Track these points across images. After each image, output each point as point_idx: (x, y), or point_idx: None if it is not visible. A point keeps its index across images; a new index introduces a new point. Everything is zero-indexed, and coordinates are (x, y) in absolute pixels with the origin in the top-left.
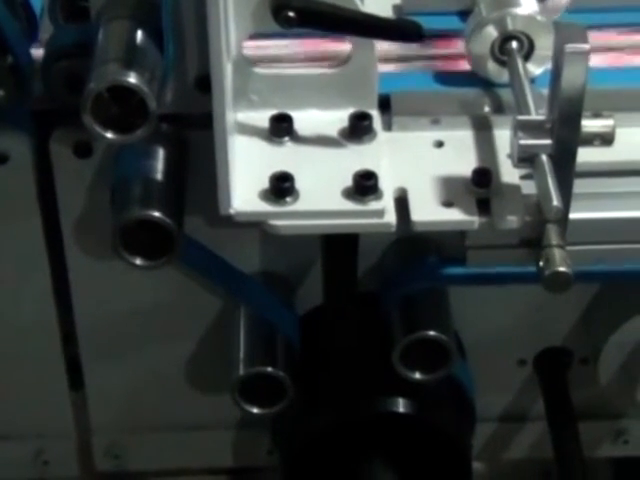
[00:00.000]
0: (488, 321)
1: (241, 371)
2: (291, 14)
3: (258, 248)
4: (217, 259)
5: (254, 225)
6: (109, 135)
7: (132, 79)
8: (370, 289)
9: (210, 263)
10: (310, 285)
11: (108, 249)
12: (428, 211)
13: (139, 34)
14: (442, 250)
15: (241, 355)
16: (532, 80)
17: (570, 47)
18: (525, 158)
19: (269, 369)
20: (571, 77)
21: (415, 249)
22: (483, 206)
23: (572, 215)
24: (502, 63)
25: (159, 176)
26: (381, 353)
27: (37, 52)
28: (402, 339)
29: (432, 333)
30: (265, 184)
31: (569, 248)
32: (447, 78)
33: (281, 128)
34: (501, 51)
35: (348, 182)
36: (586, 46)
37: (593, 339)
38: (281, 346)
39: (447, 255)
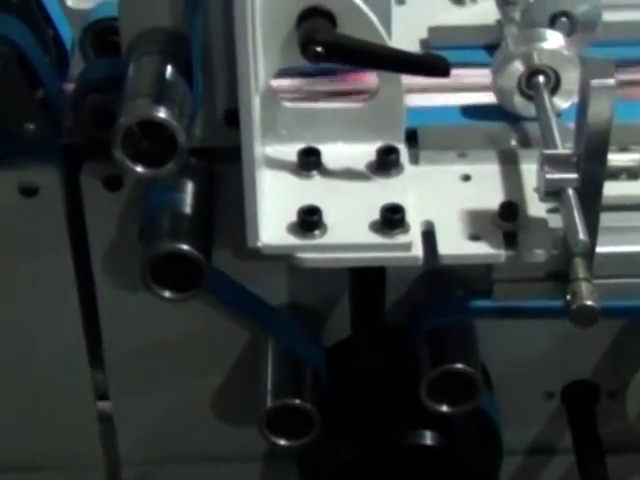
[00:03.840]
0: (515, 354)
1: (269, 403)
2: (319, 49)
3: (285, 280)
4: (245, 292)
5: (282, 258)
6: (139, 169)
7: (162, 114)
8: (397, 321)
9: (238, 296)
10: (337, 317)
11: (137, 281)
12: (455, 244)
13: (169, 69)
14: (469, 283)
15: (269, 387)
16: (558, 114)
17: (596, 82)
18: (552, 192)
19: (297, 401)
20: (597, 111)
21: (442, 282)
22: (510, 239)
23: (599, 249)
24: (529, 97)
25: (188, 209)
26: (408, 385)
27: (68, 86)
28: (429, 372)
29: (459, 366)
30: (293, 217)
31: (596, 282)
32: (474, 112)
33: (309, 162)
34: (528, 85)
35: (375, 215)
36: (612, 81)
37: (621, 372)
38: (308, 378)
39: (474, 288)
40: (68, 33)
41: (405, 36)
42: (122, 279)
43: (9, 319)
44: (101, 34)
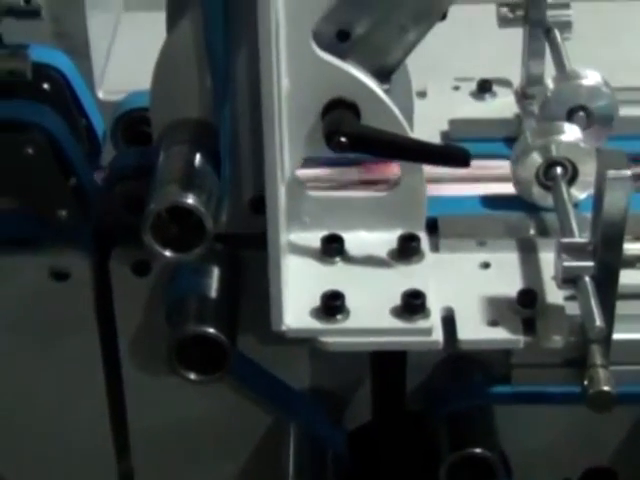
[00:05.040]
0: (533, 439)
1: None
2: (343, 139)
3: (308, 364)
4: (268, 375)
5: (305, 342)
6: (167, 254)
7: (191, 200)
8: (417, 408)
9: (261, 379)
10: (359, 401)
11: (163, 364)
12: (474, 330)
13: (197, 157)
14: (488, 368)
15: (290, 471)
16: (576, 204)
17: (612, 173)
18: (569, 279)
19: None
20: (613, 202)
21: (462, 367)
22: (528, 326)
23: (615, 336)
24: (547, 188)
25: (213, 294)
26: (428, 470)
27: (99, 174)
28: (449, 456)
29: (478, 450)
30: (316, 302)
31: (613, 368)
32: (493, 202)
33: (332, 248)
34: (546, 176)
35: (397, 301)
36: (627, 172)
37: (638, 460)
38: (330, 462)
39: (493, 373)
40: (100, 123)
41: (426, 128)
42: (148, 362)
43: (37, 401)
44: (131, 124)
